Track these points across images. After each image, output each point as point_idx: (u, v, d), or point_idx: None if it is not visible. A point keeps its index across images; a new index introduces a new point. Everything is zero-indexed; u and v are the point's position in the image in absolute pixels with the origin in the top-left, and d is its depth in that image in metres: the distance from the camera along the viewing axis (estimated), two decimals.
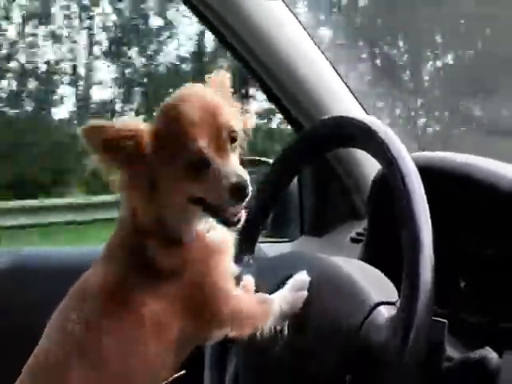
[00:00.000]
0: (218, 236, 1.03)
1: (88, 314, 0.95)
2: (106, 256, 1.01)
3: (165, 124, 0.96)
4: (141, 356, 0.96)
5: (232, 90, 1.05)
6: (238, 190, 0.93)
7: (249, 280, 1.12)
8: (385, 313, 0.96)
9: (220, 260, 1.01)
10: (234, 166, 0.95)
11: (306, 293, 1.06)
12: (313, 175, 1.76)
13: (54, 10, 11.33)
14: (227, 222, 0.98)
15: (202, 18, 1.58)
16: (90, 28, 11.38)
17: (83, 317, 0.94)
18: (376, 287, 1.02)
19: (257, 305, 1.05)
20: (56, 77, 11.21)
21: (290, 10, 1.57)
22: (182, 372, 1.10)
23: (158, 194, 0.96)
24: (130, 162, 0.94)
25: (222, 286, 1.01)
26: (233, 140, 0.96)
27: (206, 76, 1.06)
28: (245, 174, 0.95)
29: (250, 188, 0.94)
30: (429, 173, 1.04)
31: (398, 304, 0.95)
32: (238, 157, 0.99)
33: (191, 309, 0.98)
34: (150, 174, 0.95)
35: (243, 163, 0.99)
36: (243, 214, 0.98)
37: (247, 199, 0.94)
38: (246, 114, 1.06)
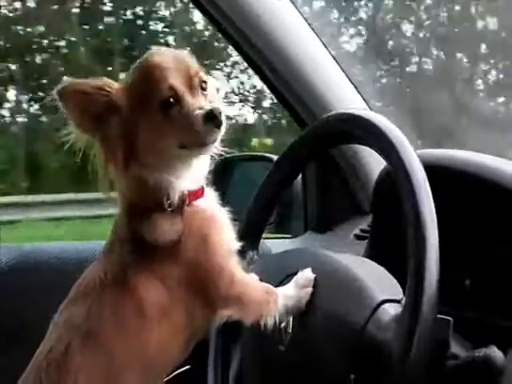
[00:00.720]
0: (209, 206, 1.02)
1: (90, 307, 0.95)
2: (106, 250, 1.02)
3: (137, 77, 0.97)
4: (145, 343, 0.97)
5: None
6: (212, 116, 0.93)
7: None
8: (390, 310, 0.96)
9: (217, 234, 1.00)
10: (205, 102, 0.96)
11: (310, 290, 1.06)
12: (317, 171, 1.76)
13: None
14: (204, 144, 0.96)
15: (206, 13, 1.58)
16: None
17: (86, 310, 0.95)
18: (381, 285, 1.01)
19: (262, 292, 1.04)
20: None
21: (296, 7, 1.57)
22: (187, 367, 1.10)
23: (138, 156, 0.96)
24: (104, 120, 0.95)
25: (223, 265, 1.00)
26: (203, 89, 0.98)
27: None
28: (218, 105, 0.95)
29: (224, 117, 0.94)
30: (434, 170, 1.03)
31: (402, 302, 0.95)
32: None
33: (192, 288, 0.97)
34: (126, 130, 0.95)
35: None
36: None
37: (222, 128, 0.95)
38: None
